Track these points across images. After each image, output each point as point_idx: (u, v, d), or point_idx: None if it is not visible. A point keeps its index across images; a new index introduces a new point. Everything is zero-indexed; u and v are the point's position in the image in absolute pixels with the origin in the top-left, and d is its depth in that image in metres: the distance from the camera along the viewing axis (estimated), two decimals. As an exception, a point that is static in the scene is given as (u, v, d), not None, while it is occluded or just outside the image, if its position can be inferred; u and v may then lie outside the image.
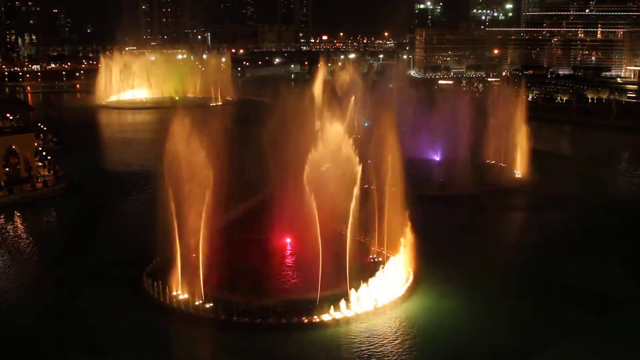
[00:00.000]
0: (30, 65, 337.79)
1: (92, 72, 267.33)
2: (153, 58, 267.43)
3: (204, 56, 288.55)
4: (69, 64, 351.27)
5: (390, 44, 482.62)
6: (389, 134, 62.15)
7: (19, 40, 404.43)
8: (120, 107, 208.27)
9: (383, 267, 55.67)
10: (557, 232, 76.24)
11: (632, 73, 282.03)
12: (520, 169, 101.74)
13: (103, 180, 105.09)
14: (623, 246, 70.66)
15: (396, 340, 48.67)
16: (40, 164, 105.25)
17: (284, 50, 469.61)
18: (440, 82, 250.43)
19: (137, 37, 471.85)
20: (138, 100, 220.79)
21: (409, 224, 57.64)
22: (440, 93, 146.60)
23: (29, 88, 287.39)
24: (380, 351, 46.92)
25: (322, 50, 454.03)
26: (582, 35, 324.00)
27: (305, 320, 50.26)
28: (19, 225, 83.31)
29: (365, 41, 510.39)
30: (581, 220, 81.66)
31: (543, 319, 52.54)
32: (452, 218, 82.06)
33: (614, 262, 65.97)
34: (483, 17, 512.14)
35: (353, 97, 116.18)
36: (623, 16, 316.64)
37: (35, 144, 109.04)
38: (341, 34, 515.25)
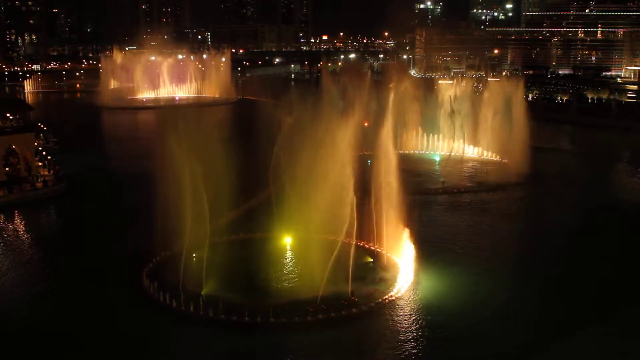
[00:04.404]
0: (30, 65, 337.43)
1: (92, 72, 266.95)
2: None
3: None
4: (69, 63, 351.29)
5: (391, 43, 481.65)
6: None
7: (19, 40, 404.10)
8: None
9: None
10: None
11: (632, 73, 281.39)
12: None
13: (103, 179, 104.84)
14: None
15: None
16: (40, 163, 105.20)
17: (284, 50, 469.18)
18: (440, 81, 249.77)
19: (137, 36, 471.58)
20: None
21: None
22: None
23: (28, 88, 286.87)
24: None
25: (322, 50, 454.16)
26: (582, 35, 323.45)
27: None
28: (19, 225, 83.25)
29: (365, 41, 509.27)
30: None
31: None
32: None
33: None
34: (483, 17, 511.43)
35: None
36: (623, 16, 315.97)
37: (35, 144, 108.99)
38: (341, 33, 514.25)
